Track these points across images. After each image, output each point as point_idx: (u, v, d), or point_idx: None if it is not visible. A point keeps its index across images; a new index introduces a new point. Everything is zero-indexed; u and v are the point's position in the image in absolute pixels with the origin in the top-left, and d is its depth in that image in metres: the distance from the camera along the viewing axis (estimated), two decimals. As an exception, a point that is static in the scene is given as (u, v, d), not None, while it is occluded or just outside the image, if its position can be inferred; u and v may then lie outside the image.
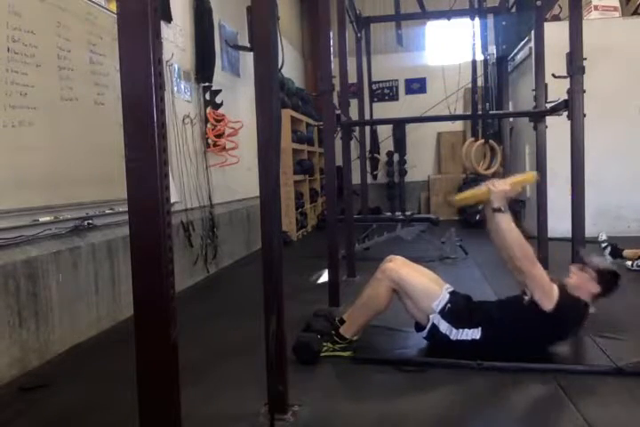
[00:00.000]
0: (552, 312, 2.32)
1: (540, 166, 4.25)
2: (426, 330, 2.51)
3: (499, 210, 2.37)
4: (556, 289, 2.36)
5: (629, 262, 4.36)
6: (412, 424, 1.97)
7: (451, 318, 2.46)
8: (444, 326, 2.45)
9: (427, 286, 2.54)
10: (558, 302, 2.33)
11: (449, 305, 2.47)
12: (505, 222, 2.36)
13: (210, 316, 3.47)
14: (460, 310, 2.48)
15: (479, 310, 2.52)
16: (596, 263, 2.54)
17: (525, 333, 2.40)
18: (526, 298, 2.43)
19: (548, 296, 2.33)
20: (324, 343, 2.59)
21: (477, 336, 2.42)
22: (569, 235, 3.37)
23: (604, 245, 4.68)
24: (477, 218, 6.87)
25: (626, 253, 4.44)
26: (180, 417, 1.42)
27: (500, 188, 2.39)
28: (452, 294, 2.55)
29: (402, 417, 2.01)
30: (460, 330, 2.44)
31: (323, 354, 2.55)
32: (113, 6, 3.30)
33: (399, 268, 2.56)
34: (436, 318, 2.47)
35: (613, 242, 4.65)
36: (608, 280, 2.49)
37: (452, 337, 2.44)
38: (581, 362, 2.48)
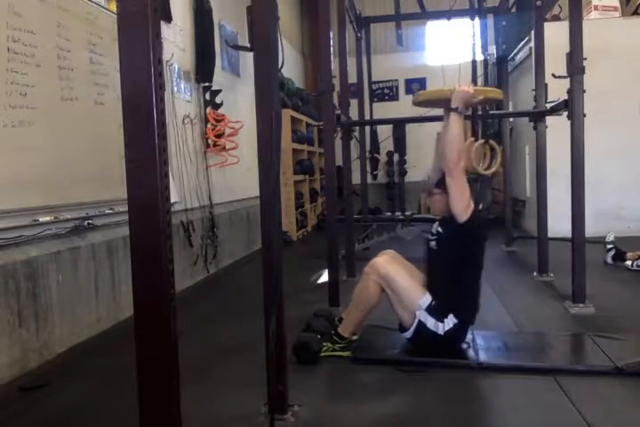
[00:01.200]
0: (467, 221, 2.42)
1: (540, 166, 4.25)
2: (412, 329, 2.49)
3: (455, 110, 2.47)
4: (472, 201, 2.46)
5: (629, 262, 4.36)
6: (411, 424, 1.98)
7: (436, 313, 2.46)
8: (430, 323, 2.45)
9: (412, 283, 2.53)
10: (473, 212, 2.44)
11: (434, 302, 2.48)
12: (455, 123, 2.45)
13: (210, 316, 3.47)
14: (437, 302, 2.48)
15: (435, 287, 2.53)
16: (432, 183, 2.64)
17: (460, 259, 2.49)
18: (433, 237, 2.57)
19: (466, 203, 2.42)
20: (324, 343, 2.59)
21: (455, 320, 2.46)
22: (569, 235, 3.37)
23: (609, 246, 4.63)
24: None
25: (629, 255, 4.43)
26: (180, 417, 1.42)
27: (464, 89, 2.50)
28: None
29: (401, 417, 2.01)
30: (444, 322, 2.45)
31: (322, 354, 2.55)
32: (113, 6, 3.29)
33: (386, 263, 2.56)
34: (422, 315, 2.46)
35: (619, 246, 4.60)
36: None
37: (440, 332, 2.44)
38: (581, 362, 2.48)
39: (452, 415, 2.02)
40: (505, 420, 2.00)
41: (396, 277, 2.51)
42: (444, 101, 2.61)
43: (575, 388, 2.13)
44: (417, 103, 2.91)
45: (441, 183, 2.55)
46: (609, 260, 4.56)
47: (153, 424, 1.39)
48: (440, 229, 2.57)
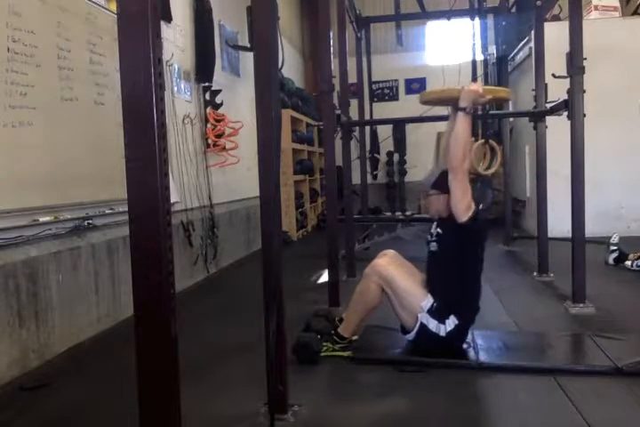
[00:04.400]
0: (467, 222, 2.41)
1: (540, 166, 4.25)
2: (414, 331, 2.49)
3: (463, 109, 2.44)
4: (473, 203, 2.44)
5: (629, 262, 4.35)
6: (411, 424, 1.98)
7: (438, 315, 2.46)
8: (432, 325, 2.45)
9: (414, 285, 2.53)
10: (474, 213, 2.43)
11: (435, 304, 2.47)
12: (463, 123, 2.43)
13: (210, 316, 3.47)
14: (439, 304, 2.48)
15: (436, 289, 2.52)
16: (428, 184, 2.63)
17: (460, 259, 2.49)
18: (432, 238, 2.56)
19: (467, 204, 2.41)
20: (324, 343, 2.59)
21: (457, 321, 2.45)
22: (569, 235, 3.37)
23: (613, 248, 4.59)
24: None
25: (630, 256, 4.42)
26: (180, 417, 1.42)
27: (473, 88, 2.48)
28: None
29: (401, 417, 2.01)
30: (445, 323, 2.45)
31: (322, 354, 2.55)
32: (113, 6, 3.29)
33: (387, 264, 2.56)
34: (424, 318, 2.46)
35: (622, 247, 4.58)
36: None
37: (442, 333, 2.44)
38: (581, 362, 2.48)
39: (452, 415, 2.02)
40: (505, 420, 1.99)
41: (397, 279, 2.50)
42: (451, 100, 2.60)
43: (575, 388, 2.13)
44: (424, 102, 2.90)
45: (437, 184, 2.55)
46: (610, 261, 4.55)
47: (153, 424, 1.39)
48: (439, 230, 2.56)
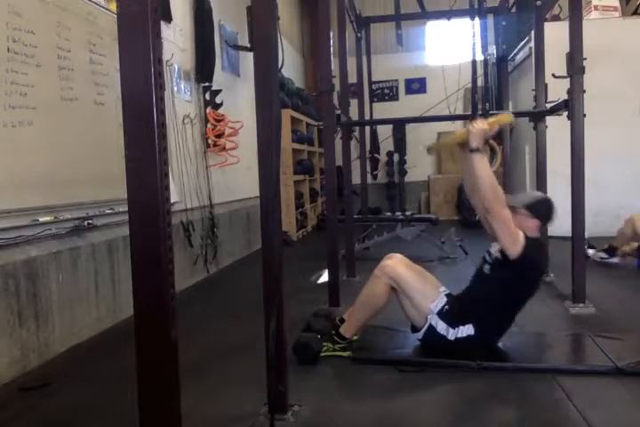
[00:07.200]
0: (519, 258, 2.33)
1: (540, 166, 4.25)
2: (422, 331, 2.50)
3: (476, 150, 2.39)
4: (521, 233, 2.37)
5: (592, 251, 4.62)
6: (411, 424, 1.97)
7: (448, 318, 2.46)
8: (441, 327, 2.45)
9: (424, 286, 2.54)
10: (525, 246, 2.33)
11: (446, 307, 2.47)
12: (480, 162, 2.36)
13: (210, 316, 3.47)
14: (455, 310, 2.48)
15: (464, 302, 2.52)
16: (520, 201, 2.54)
17: (506, 294, 2.43)
18: (489, 260, 2.49)
19: (514, 239, 2.33)
20: (324, 343, 2.59)
21: (472, 332, 2.43)
22: (569, 234, 3.37)
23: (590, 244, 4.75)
24: (477, 218, 6.86)
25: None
26: (180, 417, 1.42)
27: (479, 127, 2.41)
28: (448, 296, 2.56)
29: (401, 417, 2.01)
30: (456, 328, 2.44)
31: (323, 354, 2.55)
32: (113, 6, 3.29)
33: (397, 266, 2.55)
34: (433, 319, 2.46)
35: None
36: (541, 210, 2.51)
37: (449, 337, 2.43)
38: (581, 362, 2.48)
39: (452, 415, 2.02)
40: (505, 420, 1.99)
41: (409, 280, 2.50)
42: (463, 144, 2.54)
43: (575, 388, 2.14)
44: (434, 153, 2.88)
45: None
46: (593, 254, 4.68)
47: (153, 424, 1.39)
48: (499, 256, 2.45)
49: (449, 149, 2.86)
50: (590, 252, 4.61)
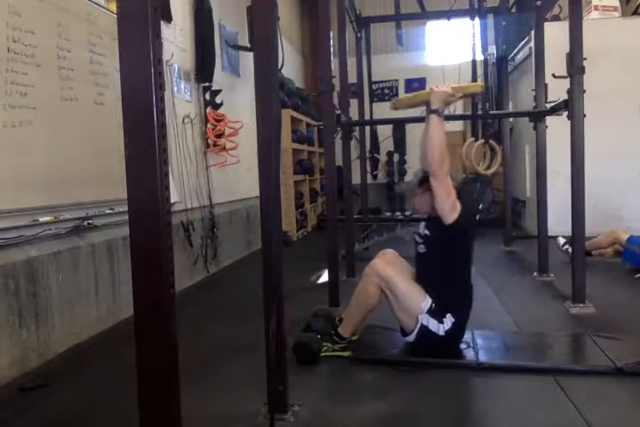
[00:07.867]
0: (454, 223, 2.41)
1: (540, 166, 4.25)
2: (414, 332, 2.49)
3: (435, 111, 2.45)
4: (459, 204, 2.44)
5: (562, 240, 4.73)
6: (411, 424, 1.98)
7: (437, 314, 2.47)
8: (432, 325, 2.46)
9: (413, 285, 2.53)
10: (460, 215, 2.42)
11: (434, 305, 2.48)
12: (436, 124, 2.43)
13: (210, 316, 3.47)
14: (437, 303, 2.48)
15: (429, 290, 2.53)
16: (414, 181, 2.62)
17: (448, 259, 2.51)
18: (419, 240, 2.58)
19: (453, 206, 2.41)
20: (324, 343, 2.59)
21: (453, 319, 2.46)
22: (569, 234, 3.37)
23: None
24: (477, 218, 6.86)
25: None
26: (180, 417, 1.42)
27: (442, 89, 2.48)
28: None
29: (401, 417, 2.01)
30: (444, 322, 2.46)
31: (322, 354, 2.55)
32: (113, 6, 3.29)
33: (386, 265, 2.56)
34: (424, 319, 2.46)
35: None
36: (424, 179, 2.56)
37: (441, 333, 2.45)
38: (581, 362, 2.48)
39: (452, 415, 2.02)
40: (505, 420, 1.99)
41: (397, 280, 2.50)
42: (424, 104, 2.60)
43: (575, 388, 2.14)
44: (397, 108, 2.92)
45: (423, 182, 2.55)
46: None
47: (153, 424, 1.39)
48: (427, 232, 2.57)
49: (412, 108, 2.89)
50: (561, 241, 4.76)
